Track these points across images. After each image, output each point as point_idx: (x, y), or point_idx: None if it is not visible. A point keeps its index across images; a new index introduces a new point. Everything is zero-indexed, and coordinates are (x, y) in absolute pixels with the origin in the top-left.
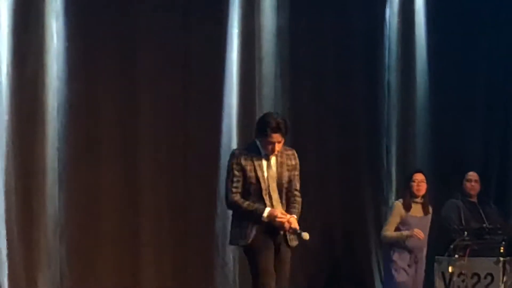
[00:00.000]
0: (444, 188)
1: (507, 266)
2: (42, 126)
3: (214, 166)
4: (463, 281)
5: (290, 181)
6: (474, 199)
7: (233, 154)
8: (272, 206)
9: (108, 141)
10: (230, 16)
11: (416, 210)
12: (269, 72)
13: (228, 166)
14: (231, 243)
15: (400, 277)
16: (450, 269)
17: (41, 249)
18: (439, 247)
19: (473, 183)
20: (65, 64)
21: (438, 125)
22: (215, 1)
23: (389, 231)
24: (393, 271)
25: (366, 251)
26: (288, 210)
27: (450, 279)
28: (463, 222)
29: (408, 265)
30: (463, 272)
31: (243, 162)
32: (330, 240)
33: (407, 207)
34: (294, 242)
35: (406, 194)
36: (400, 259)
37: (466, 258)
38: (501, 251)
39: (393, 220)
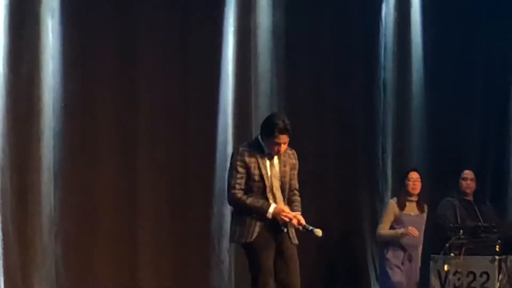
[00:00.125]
0: (440, 186)
1: (503, 265)
2: (37, 125)
3: (211, 165)
4: (458, 279)
5: (290, 180)
6: (470, 198)
7: (237, 151)
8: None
9: (105, 140)
10: (226, 14)
11: (411, 208)
12: (265, 70)
13: (232, 162)
14: (231, 240)
15: (395, 275)
16: (445, 267)
17: (37, 248)
18: (434, 245)
19: (468, 182)
20: (61, 63)
21: (434, 124)
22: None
23: (383, 229)
24: (388, 269)
25: (362, 249)
26: (291, 208)
27: (446, 277)
28: (458, 220)
29: (402, 263)
30: (458, 270)
31: (247, 159)
32: (326, 238)
33: (402, 206)
34: (296, 240)
35: (401, 192)
36: (393, 257)
37: (461, 257)
38: (497, 249)
39: (387, 219)
